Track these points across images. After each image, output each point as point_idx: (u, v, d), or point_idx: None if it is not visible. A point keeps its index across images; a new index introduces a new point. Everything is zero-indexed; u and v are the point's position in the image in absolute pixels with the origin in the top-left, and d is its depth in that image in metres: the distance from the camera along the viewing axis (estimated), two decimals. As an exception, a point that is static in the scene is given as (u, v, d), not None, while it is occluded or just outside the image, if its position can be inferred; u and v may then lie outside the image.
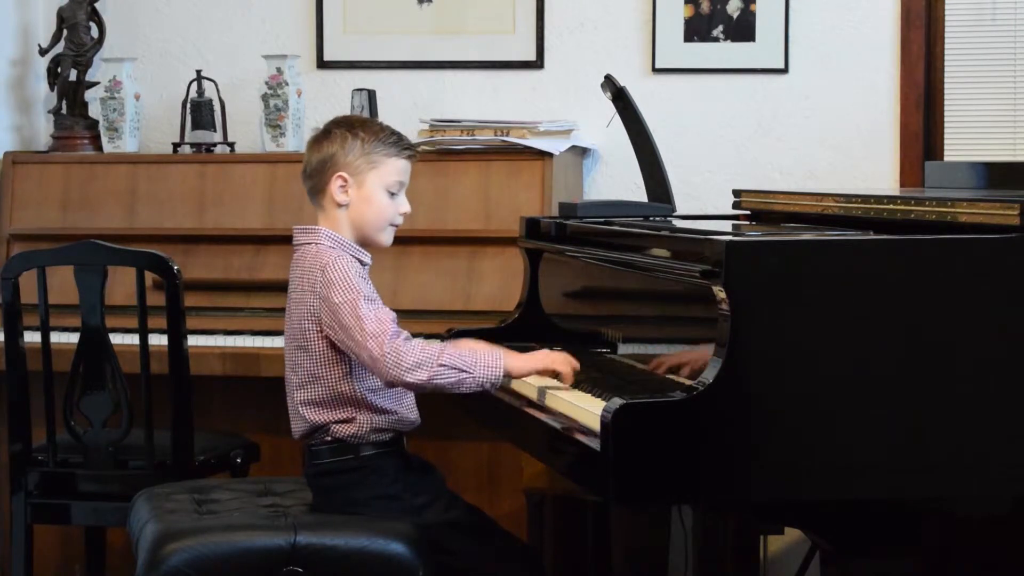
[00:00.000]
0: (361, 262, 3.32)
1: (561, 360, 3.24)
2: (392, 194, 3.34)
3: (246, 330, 4.26)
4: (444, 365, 3.16)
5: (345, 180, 3.31)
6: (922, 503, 2.90)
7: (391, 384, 3.21)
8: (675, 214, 3.82)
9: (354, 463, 3.29)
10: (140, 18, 4.97)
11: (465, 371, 3.17)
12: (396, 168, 3.35)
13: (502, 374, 3.20)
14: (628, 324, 3.41)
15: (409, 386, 3.21)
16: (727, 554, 3.53)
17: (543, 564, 3.87)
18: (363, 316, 3.17)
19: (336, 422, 3.28)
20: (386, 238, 3.38)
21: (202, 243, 4.48)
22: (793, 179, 4.62)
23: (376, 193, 3.33)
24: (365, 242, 3.36)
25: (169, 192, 4.57)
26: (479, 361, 3.19)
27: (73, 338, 3.90)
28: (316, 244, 3.31)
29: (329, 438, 3.29)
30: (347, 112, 4.64)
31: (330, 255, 3.26)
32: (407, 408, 3.34)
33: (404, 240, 3.73)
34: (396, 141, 3.36)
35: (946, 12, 4.57)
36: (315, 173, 3.34)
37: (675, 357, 3.12)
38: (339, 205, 3.32)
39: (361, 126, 3.35)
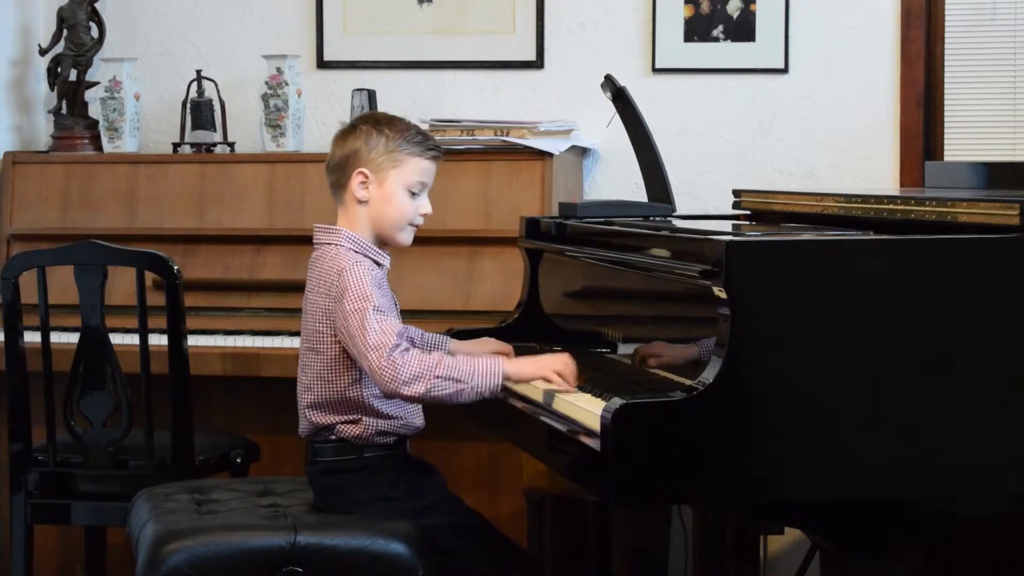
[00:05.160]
0: (377, 263, 3.30)
1: (561, 363, 3.20)
2: (413, 194, 3.33)
3: (246, 330, 4.26)
4: (440, 377, 3.13)
5: (366, 177, 3.29)
6: (922, 503, 2.89)
7: (389, 396, 3.20)
8: (675, 214, 3.82)
9: (356, 463, 3.29)
10: (140, 18, 4.97)
11: (462, 381, 3.14)
12: (418, 168, 3.33)
13: (501, 381, 3.18)
14: (628, 324, 3.40)
15: (407, 399, 3.20)
16: (727, 554, 3.53)
17: (542, 572, 3.88)
18: (368, 327, 3.15)
19: (342, 422, 3.28)
20: (405, 238, 3.36)
21: (202, 243, 4.48)
22: (793, 179, 4.62)
23: (396, 192, 3.31)
24: (384, 241, 3.34)
25: (169, 192, 4.57)
26: (476, 370, 3.16)
27: (73, 338, 3.90)
28: (336, 246, 3.28)
29: (334, 437, 3.29)
30: (347, 112, 4.64)
31: (348, 259, 3.24)
32: (412, 414, 3.33)
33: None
34: (421, 141, 3.34)
35: (946, 12, 4.56)
36: (337, 167, 3.33)
37: (663, 352, 3.13)
38: (359, 201, 3.30)
39: (387, 123, 3.33)
